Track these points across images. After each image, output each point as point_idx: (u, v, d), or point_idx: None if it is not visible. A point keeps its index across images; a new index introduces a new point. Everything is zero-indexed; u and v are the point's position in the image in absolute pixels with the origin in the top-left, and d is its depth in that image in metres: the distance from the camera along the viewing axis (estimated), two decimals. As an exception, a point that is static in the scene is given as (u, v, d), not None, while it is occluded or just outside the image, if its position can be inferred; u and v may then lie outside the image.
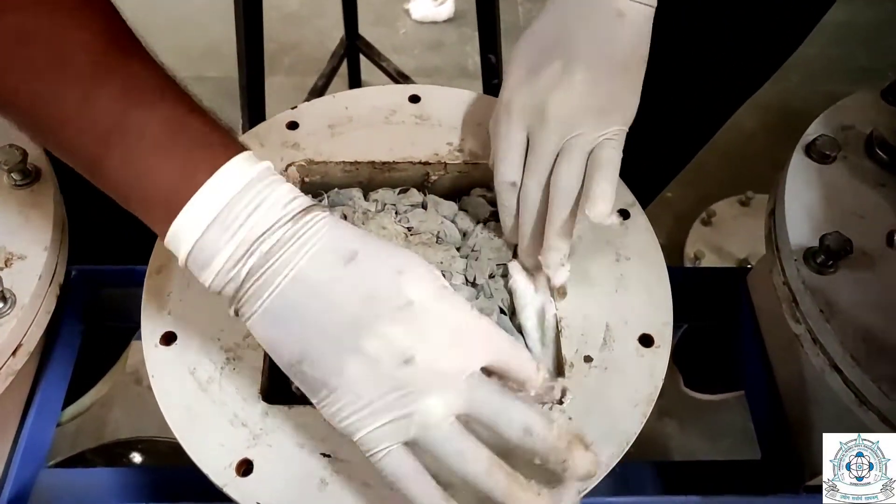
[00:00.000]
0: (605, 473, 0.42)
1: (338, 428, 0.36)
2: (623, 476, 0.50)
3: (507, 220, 0.49)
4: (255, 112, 1.01)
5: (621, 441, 0.43)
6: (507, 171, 0.48)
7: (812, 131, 0.54)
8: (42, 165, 0.51)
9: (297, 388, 0.38)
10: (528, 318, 0.49)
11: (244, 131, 1.00)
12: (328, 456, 0.42)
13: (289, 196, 0.37)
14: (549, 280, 0.48)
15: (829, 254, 0.47)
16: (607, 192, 0.44)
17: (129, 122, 0.35)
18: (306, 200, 0.37)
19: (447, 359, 0.35)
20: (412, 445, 0.36)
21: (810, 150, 0.53)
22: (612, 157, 0.45)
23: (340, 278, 0.35)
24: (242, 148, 0.37)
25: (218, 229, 0.35)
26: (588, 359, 0.46)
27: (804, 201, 0.51)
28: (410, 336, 0.35)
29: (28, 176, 0.49)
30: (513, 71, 0.49)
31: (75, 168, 0.37)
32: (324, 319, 0.35)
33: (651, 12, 0.47)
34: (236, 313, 0.37)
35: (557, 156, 0.46)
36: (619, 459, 0.43)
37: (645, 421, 0.44)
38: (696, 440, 0.98)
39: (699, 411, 0.98)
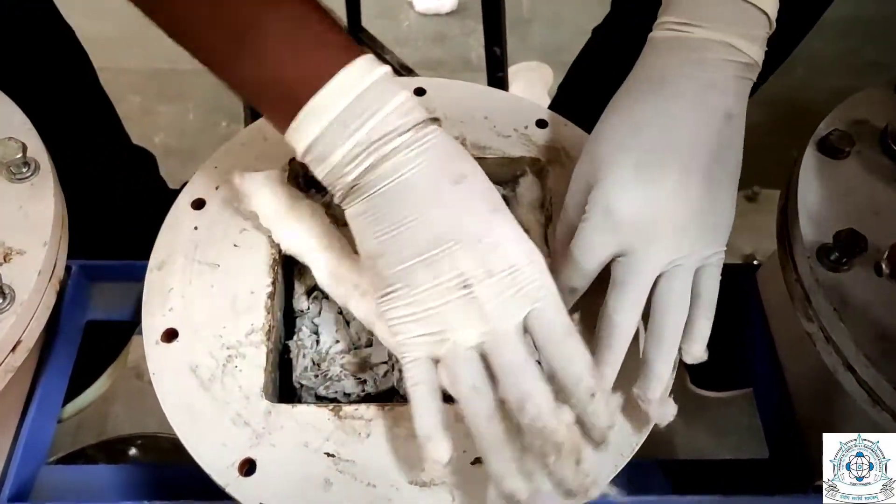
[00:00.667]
0: (609, 480, 0.41)
1: (383, 326, 0.40)
2: (628, 475, 0.49)
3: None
4: (257, 105, 1.00)
5: (630, 442, 0.42)
6: (574, 278, 0.42)
7: (825, 126, 0.53)
8: (41, 159, 0.50)
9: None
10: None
11: (246, 123, 1.00)
12: (332, 455, 0.41)
13: (408, 105, 0.38)
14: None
15: (843, 251, 0.46)
16: (707, 332, 0.42)
17: (257, 21, 0.37)
18: (424, 113, 0.39)
19: (497, 303, 0.37)
20: (440, 364, 0.38)
21: (823, 146, 0.52)
22: (715, 288, 0.42)
23: (442, 197, 0.38)
24: (363, 51, 0.39)
25: (338, 127, 0.37)
26: (597, 357, 0.45)
27: (817, 197, 0.50)
28: (478, 269, 0.37)
29: (27, 169, 0.49)
30: (613, 169, 0.42)
31: (211, 69, 0.40)
32: (413, 228, 0.38)
33: (746, 102, 0.44)
34: (340, 203, 0.40)
35: (659, 277, 0.41)
36: (627, 461, 0.42)
37: (652, 425, 0.43)
38: (702, 437, 0.98)
39: (705, 408, 0.97)
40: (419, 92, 0.57)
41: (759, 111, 1.33)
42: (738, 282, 0.65)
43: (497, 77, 1.00)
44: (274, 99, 0.40)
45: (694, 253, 0.42)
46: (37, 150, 0.50)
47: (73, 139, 0.61)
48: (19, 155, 0.47)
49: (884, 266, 0.45)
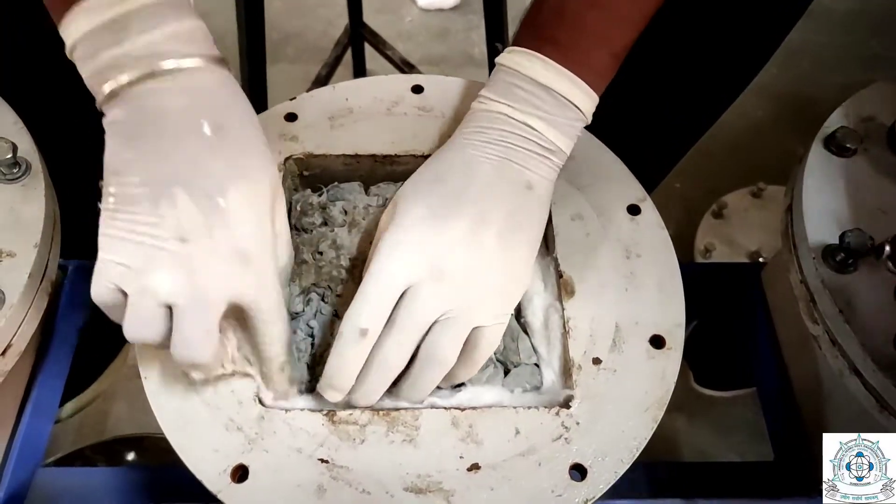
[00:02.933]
0: (615, 481, 0.41)
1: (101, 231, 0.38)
2: (631, 478, 0.49)
3: (343, 368, 0.40)
4: (256, 102, 0.99)
5: (630, 447, 0.41)
6: (365, 315, 0.40)
7: (831, 123, 0.52)
8: (32, 159, 0.49)
9: None
10: (535, 318, 0.47)
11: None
12: (326, 462, 0.41)
13: (196, 35, 0.39)
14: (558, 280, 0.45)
15: (850, 252, 0.45)
16: (468, 376, 0.43)
17: None
18: (211, 49, 0.39)
19: (207, 272, 0.37)
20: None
21: (829, 143, 0.51)
22: (494, 343, 0.43)
23: (190, 140, 0.37)
24: None
25: (110, 32, 0.37)
26: (597, 361, 0.44)
27: (823, 196, 0.49)
28: (201, 228, 0.37)
29: (18, 170, 0.48)
30: (410, 209, 0.43)
31: None
32: (152, 161, 0.37)
33: (552, 185, 0.46)
34: (100, 108, 0.39)
35: (436, 322, 0.41)
36: (628, 466, 0.41)
37: (655, 426, 0.42)
38: (706, 436, 0.97)
39: (709, 407, 0.96)
40: (417, 89, 0.56)
41: (764, 106, 1.33)
42: (742, 281, 0.64)
43: (499, 73, 0.99)
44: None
45: (473, 309, 0.41)
46: (28, 150, 0.49)
47: (67, 138, 0.60)
48: (9, 155, 0.47)
49: (891, 266, 0.44)
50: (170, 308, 0.37)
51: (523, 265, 0.44)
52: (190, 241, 0.37)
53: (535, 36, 0.46)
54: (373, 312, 0.40)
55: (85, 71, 0.38)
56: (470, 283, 0.41)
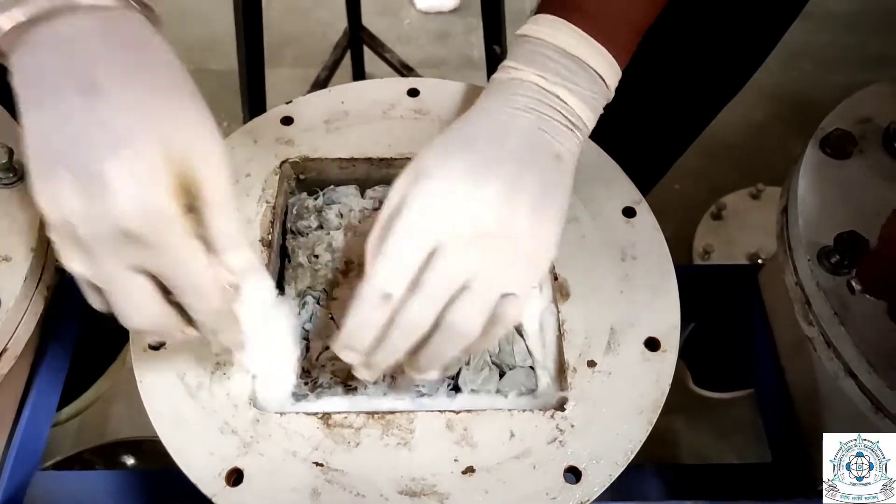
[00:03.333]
0: (610, 484, 0.41)
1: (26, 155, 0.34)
2: (628, 480, 0.49)
3: (362, 331, 0.38)
4: (255, 106, 1.00)
5: (625, 450, 0.41)
6: (391, 277, 0.38)
7: (827, 124, 0.52)
8: (29, 163, 0.49)
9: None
10: (530, 320, 0.47)
11: (244, 124, 0.99)
12: (321, 465, 0.41)
13: None
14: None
15: (845, 254, 0.45)
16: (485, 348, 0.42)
17: None
18: None
19: (96, 243, 0.34)
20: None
21: (825, 144, 0.51)
22: (518, 317, 0.41)
23: (71, 106, 0.33)
24: None
25: None
26: (592, 363, 0.44)
27: (818, 198, 0.49)
28: (81, 205, 0.33)
29: (14, 174, 0.48)
30: (441, 164, 0.40)
31: None
32: (30, 125, 0.33)
33: (576, 159, 0.44)
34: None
35: (464, 287, 0.38)
36: (623, 469, 0.41)
37: (651, 429, 0.42)
38: (705, 437, 0.97)
39: (707, 408, 0.96)
40: (413, 92, 0.56)
41: (764, 106, 1.33)
42: (739, 282, 0.64)
43: (497, 75, 0.99)
44: None
45: (503, 276, 0.39)
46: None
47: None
48: (5, 160, 0.47)
49: (854, 284, 0.44)
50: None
51: (553, 236, 0.41)
52: (76, 226, 0.33)
53: (561, 5, 0.44)
54: (399, 274, 0.38)
55: None
56: (502, 247, 0.39)
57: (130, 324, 0.36)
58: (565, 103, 0.43)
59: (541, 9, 0.45)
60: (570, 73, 0.43)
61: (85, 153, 0.32)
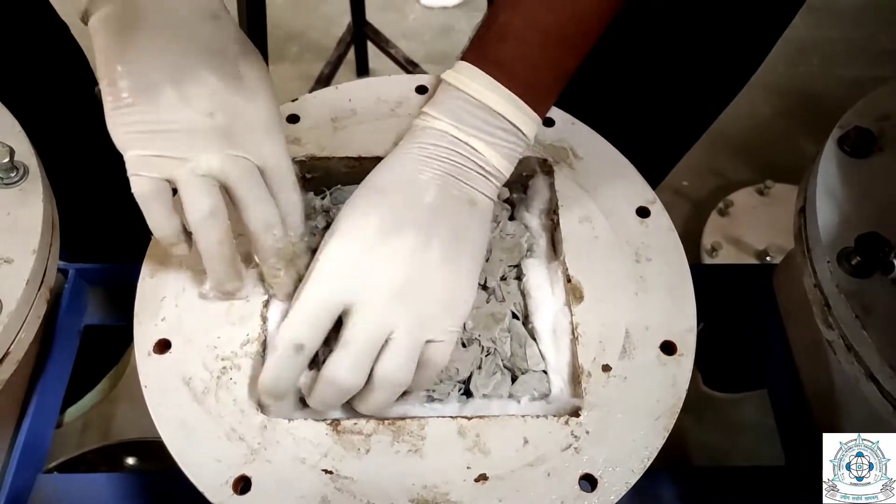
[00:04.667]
0: (626, 491, 0.40)
1: (114, 136, 0.40)
2: (639, 483, 0.48)
3: (279, 380, 0.40)
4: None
5: (642, 457, 0.40)
6: (301, 329, 0.40)
7: (845, 122, 0.51)
8: (30, 163, 0.48)
9: None
10: (543, 324, 0.46)
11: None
12: (330, 472, 0.40)
13: None
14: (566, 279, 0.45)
15: (866, 255, 0.43)
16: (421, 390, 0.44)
17: None
18: None
19: (245, 137, 0.41)
20: (179, 187, 0.40)
21: (843, 143, 0.50)
22: (445, 359, 0.42)
23: (198, 28, 0.40)
24: None
25: None
26: (606, 368, 0.43)
27: (837, 198, 0.47)
28: (222, 100, 0.40)
29: (15, 174, 0.47)
30: (353, 222, 0.42)
31: None
32: (164, 50, 0.39)
33: (492, 204, 0.46)
34: (84, 13, 0.40)
35: (388, 340, 0.40)
36: (639, 476, 0.40)
37: (667, 435, 0.41)
38: (715, 438, 0.96)
39: (716, 407, 0.95)
40: (421, 90, 0.55)
41: (772, 102, 1.32)
42: (752, 282, 0.63)
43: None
44: None
45: (423, 325, 0.40)
46: (25, 153, 0.48)
47: (66, 141, 0.59)
48: (6, 160, 0.46)
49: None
50: (223, 183, 0.40)
51: (469, 279, 0.43)
52: (217, 114, 0.39)
53: (482, 55, 0.45)
54: (309, 328, 0.40)
55: None
56: (419, 297, 0.41)
57: (193, 215, 0.40)
58: (479, 153, 0.44)
59: (465, 55, 0.47)
60: (485, 125, 0.44)
61: (224, 59, 0.40)
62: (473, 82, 0.45)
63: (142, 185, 0.39)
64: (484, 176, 0.45)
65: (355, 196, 0.44)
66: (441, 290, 0.41)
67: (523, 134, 0.46)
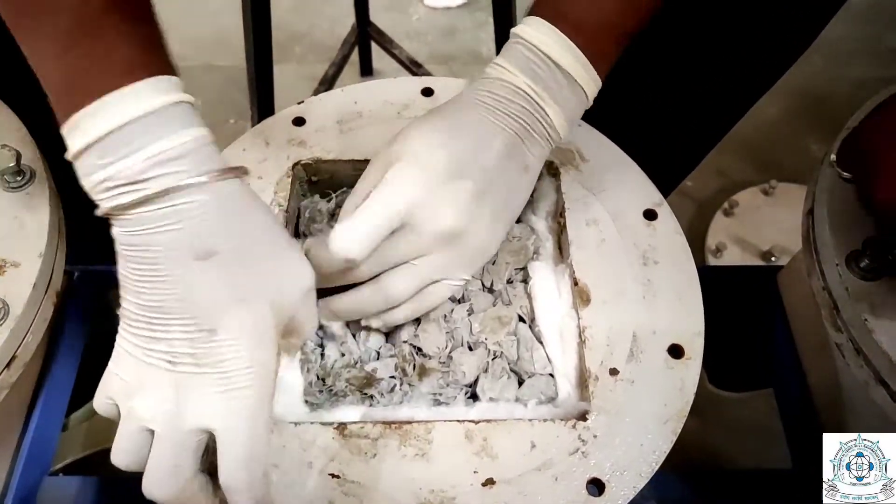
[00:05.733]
0: (634, 495, 0.40)
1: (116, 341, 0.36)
2: (646, 486, 0.48)
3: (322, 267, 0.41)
4: (263, 102, 0.99)
5: (650, 461, 0.40)
6: (355, 240, 0.41)
7: (853, 123, 0.51)
8: (37, 167, 0.48)
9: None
10: (549, 327, 0.46)
11: (254, 122, 0.98)
12: (337, 476, 0.40)
13: (190, 145, 0.35)
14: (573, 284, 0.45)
15: (875, 257, 0.43)
16: (398, 321, 0.45)
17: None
18: (211, 160, 0.36)
19: (187, 396, 0.35)
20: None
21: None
22: (444, 298, 0.45)
23: (178, 271, 0.35)
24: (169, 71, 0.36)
25: (98, 151, 0.34)
26: (614, 371, 0.43)
27: (846, 200, 0.47)
28: (186, 351, 0.35)
29: (22, 178, 0.47)
30: (429, 150, 0.42)
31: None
32: (143, 290, 0.35)
33: (538, 172, 0.47)
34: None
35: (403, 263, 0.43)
36: (647, 481, 0.40)
37: (675, 439, 0.41)
38: (720, 438, 0.96)
39: (721, 406, 0.95)
40: (427, 92, 0.55)
41: (777, 102, 1.31)
42: (758, 283, 0.63)
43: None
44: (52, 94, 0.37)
45: (442, 268, 0.43)
46: (32, 157, 0.49)
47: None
48: (13, 163, 0.46)
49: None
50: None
51: (498, 240, 0.46)
52: (177, 364, 0.35)
53: (555, 10, 0.44)
54: (368, 237, 0.41)
55: (85, 185, 0.36)
56: (456, 243, 0.43)
57: (152, 483, 0.35)
58: (548, 116, 0.44)
59: (534, 10, 0.46)
60: (558, 87, 0.44)
61: (198, 310, 0.35)
62: (548, 38, 0.44)
63: (97, 401, 0.37)
64: (546, 139, 0.45)
65: (425, 123, 0.44)
66: (475, 244, 0.44)
67: (587, 96, 0.45)
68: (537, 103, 0.44)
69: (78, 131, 0.34)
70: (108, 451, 0.79)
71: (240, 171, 0.37)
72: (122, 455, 0.35)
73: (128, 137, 0.34)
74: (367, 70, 1.26)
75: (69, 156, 0.35)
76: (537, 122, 0.44)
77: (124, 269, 0.36)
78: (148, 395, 0.35)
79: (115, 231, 0.36)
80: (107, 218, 0.36)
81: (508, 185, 0.44)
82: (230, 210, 0.36)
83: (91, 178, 0.35)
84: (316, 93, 0.56)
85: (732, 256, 1.08)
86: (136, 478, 0.49)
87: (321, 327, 0.46)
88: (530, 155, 0.45)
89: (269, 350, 0.36)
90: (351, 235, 0.41)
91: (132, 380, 0.35)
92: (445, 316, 0.47)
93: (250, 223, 0.37)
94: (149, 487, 0.35)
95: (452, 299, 0.47)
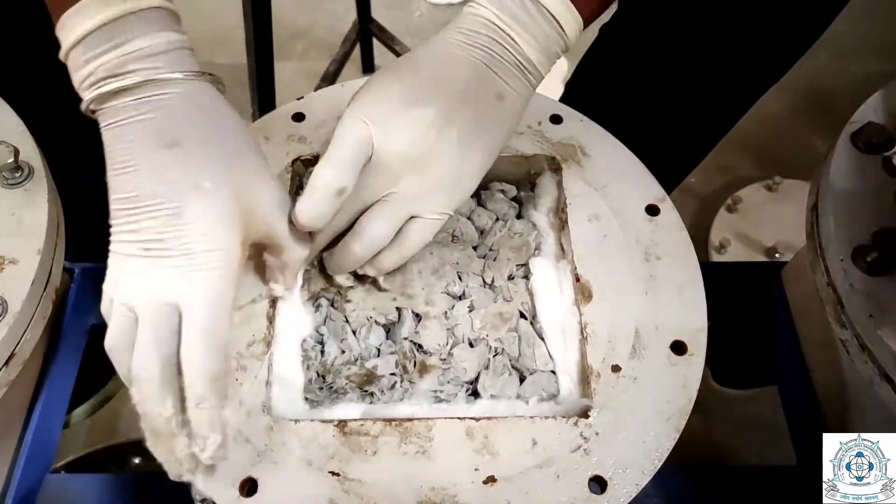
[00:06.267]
0: (636, 493, 0.39)
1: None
2: (649, 483, 0.48)
3: (317, 218, 0.42)
4: (264, 99, 0.99)
5: (652, 458, 0.40)
6: (341, 175, 0.41)
7: (858, 118, 0.50)
8: (35, 163, 0.48)
9: None
10: (551, 324, 0.46)
11: (254, 119, 0.98)
12: (337, 474, 0.39)
13: (165, 47, 0.39)
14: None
15: (882, 252, 0.43)
16: (388, 267, 0.45)
17: None
18: (178, 60, 0.39)
19: (157, 275, 0.37)
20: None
21: (857, 139, 0.49)
22: (419, 241, 0.44)
23: (146, 159, 0.38)
24: None
25: (85, 46, 0.38)
26: (616, 368, 0.43)
27: (851, 195, 0.47)
28: (157, 237, 0.37)
29: (20, 174, 0.47)
30: (384, 85, 0.43)
31: None
32: (118, 179, 0.38)
33: (531, 94, 0.45)
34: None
35: (378, 200, 0.43)
36: (650, 478, 0.40)
37: (678, 436, 0.41)
38: (724, 434, 0.95)
39: (724, 403, 0.94)
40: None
41: (780, 98, 1.30)
42: (762, 279, 0.63)
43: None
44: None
45: (417, 198, 0.43)
46: (30, 153, 0.48)
47: (70, 140, 0.59)
48: (11, 160, 0.46)
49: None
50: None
51: (477, 170, 0.44)
52: (151, 253, 0.37)
53: None
54: (347, 171, 0.41)
55: (74, 82, 0.40)
56: (424, 172, 0.42)
57: (137, 366, 0.36)
58: (516, 44, 0.44)
59: None
60: (526, 16, 0.43)
61: (164, 193, 0.37)
62: None
63: (103, 305, 0.39)
64: (520, 69, 0.44)
65: (391, 63, 0.45)
66: (446, 170, 0.43)
67: (564, 32, 0.44)
68: (505, 32, 0.43)
69: (65, 31, 0.38)
70: (109, 449, 0.79)
71: (214, 78, 0.41)
72: (112, 335, 0.37)
73: (108, 35, 0.38)
74: (368, 67, 1.26)
75: (62, 55, 0.39)
76: (507, 52, 0.44)
77: (110, 171, 0.39)
78: (129, 282, 0.37)
79: (102, 132, 0.39)
80: (94, 119, 0.40)
81: (478, 111, 0.43)
82: (199, 105, 0.40)
83: (78, 73, 0.39)
84: (317, 90, 0.55)
85: (736, 253, 1.08)
86: (137, 476, 0.49)
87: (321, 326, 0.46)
88: (503, 82, 0.44)
89: (231, 235, 0.38)
90: (308, 207, 0.41)
91: (118, 273, 0.38)
92: (446, 312, 0.46)
93: (219, 121, 0.40)
94: (136, 370, 0.36)
95: (453, 295, 0.47)
